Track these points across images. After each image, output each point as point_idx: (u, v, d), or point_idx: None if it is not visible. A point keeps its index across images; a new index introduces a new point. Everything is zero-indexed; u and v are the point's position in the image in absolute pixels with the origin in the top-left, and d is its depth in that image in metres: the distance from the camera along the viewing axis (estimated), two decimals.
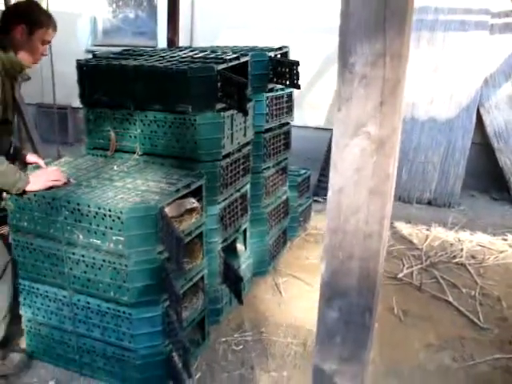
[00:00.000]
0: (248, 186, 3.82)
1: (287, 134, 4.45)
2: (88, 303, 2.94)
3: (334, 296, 1.52)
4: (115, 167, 3.29)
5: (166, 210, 2.77)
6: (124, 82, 3.31)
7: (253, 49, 4.07)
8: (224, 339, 3.51)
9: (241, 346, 3.44)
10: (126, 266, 2.73)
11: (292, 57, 4.26)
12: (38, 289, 3.08)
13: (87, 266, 2.85)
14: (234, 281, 3.65)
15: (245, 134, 3.64)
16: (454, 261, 4.72)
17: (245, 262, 4.00)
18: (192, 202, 3.07)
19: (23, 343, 3.31)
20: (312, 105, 7.21)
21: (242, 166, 3.64)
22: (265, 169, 4.12)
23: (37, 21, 2.81)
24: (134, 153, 3.41)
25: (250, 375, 3.19)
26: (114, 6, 8.55)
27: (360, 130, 1.37)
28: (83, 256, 2.84)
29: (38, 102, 8.30)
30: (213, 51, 3.73)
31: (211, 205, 3.32)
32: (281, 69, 3.93)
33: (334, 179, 1.43)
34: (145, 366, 2.93)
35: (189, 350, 2.86)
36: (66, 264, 2.91)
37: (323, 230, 4.64)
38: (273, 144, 4.19)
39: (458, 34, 6.45)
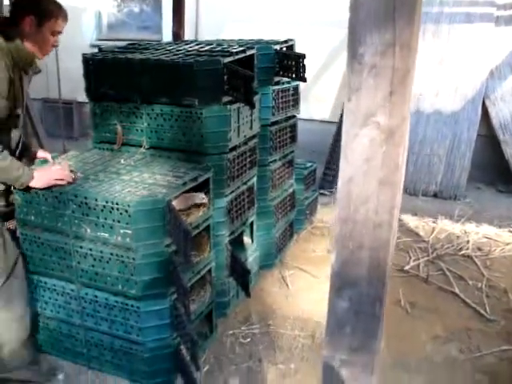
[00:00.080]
0: (255, 179, 3.83)
1: (293, 126, 4.45)
2: (96, 297, 2.95)
3: (344, 286, 1.53)
4: (122, 161, 3.30)
5: (174, 203, 2.78)
6: (130, 76, 3.31)
7: (258, 42, 4.07)
8: (231, 332, 3.52)
9: (248, 339, 3.45)
10: (133, 259, 2.74)
11: (297, 50, 4.26)
12: (45, 283, 3.09)
13: (95, 259, 2.85)
14: (241, 274, 3.66)
15: (251, 127, 3.64)
16: (461, 253, 4.72)
17: (252, 254, 4.01)
18: (202, 198, 3.07)
19: None
20: (318, 98, 7.20)
21: (248, 159, 3.64)
22: (271, 162, 4.12)
23: (46, 11, 2.70)
24: (141, 146, 3.42)
25: (258, 368, 3.20)
26: (119, 0, 8.54)
27: (369, 119, 1.36)
28: (91, 249, 2.85)
29: (44, 96, 8.32)
30: (219, 44, 3.73)
31: (218, 198, 3.33)
32: (287, 62, 3.93)
33: (344, 169, 1.43)
34: (153, 358, 2.94)
35: (197, 343, 2.86)
36: (74, 258, 2.91)
37: (329, 223, 4.64)
38: (279, 137, 4.19)
39: (464, 26, 6.43)
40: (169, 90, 3.24)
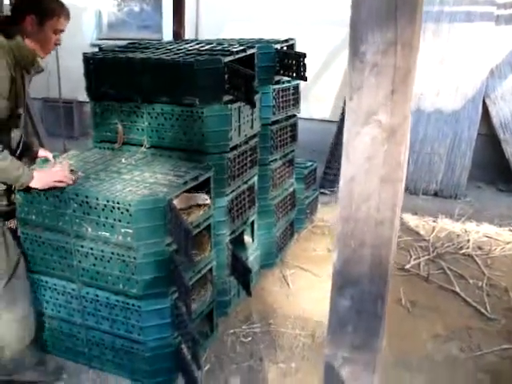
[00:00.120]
0: (255, 178, 3.83)
1: (294, 126, 4.45)
2: (97, 296, 2.95)
3: (346, 284, 1.53)
4: (123, 160, 3.30)
5: (175, 202, 2.78)
6: (131, 75, 3.31)
7: (259, 41, 4.07)
8: (232, 331, 3.52)
9: (249, 338, 3.45)
10: (134, 258, 2.74)
11: (298, 49, 4.25)
12: (46, 282, 3.09)
13: (96, 258, 2.85)
14: (242, 273, 3.66)
15: (252, 126, 3.64)
16: (461, 252, 4.72)
17: (252, 253, 4.01)
18: (205, 199, 3.08)
19: None
20: (318, 97, 7.20)
21: (249, 158, 3.64)
22: (272, 161, 4.12)
23: (47, 10, 2.66)
24: (142, 145, 3.42)
25: (259, 367, 3.20)
26: None
27: (371, 118, 1.37)
28: (92, 249, 2.85)
29: (44, 96, 8.31)
30: (219, 43, 3.73)
31: (219, 197, 3.33)
32: (287, 61, 3.93)
33: (346, 168, 1.43)
34: (154, 358, 2.94)
35: (198, 342, 2.86)
36: (75, 257, 2.92)
37: (330, 222, 4.64)
38: (279, 136, 4.19)
39: (464, 25, 6.43)
40: (169, 89, 3.24)
